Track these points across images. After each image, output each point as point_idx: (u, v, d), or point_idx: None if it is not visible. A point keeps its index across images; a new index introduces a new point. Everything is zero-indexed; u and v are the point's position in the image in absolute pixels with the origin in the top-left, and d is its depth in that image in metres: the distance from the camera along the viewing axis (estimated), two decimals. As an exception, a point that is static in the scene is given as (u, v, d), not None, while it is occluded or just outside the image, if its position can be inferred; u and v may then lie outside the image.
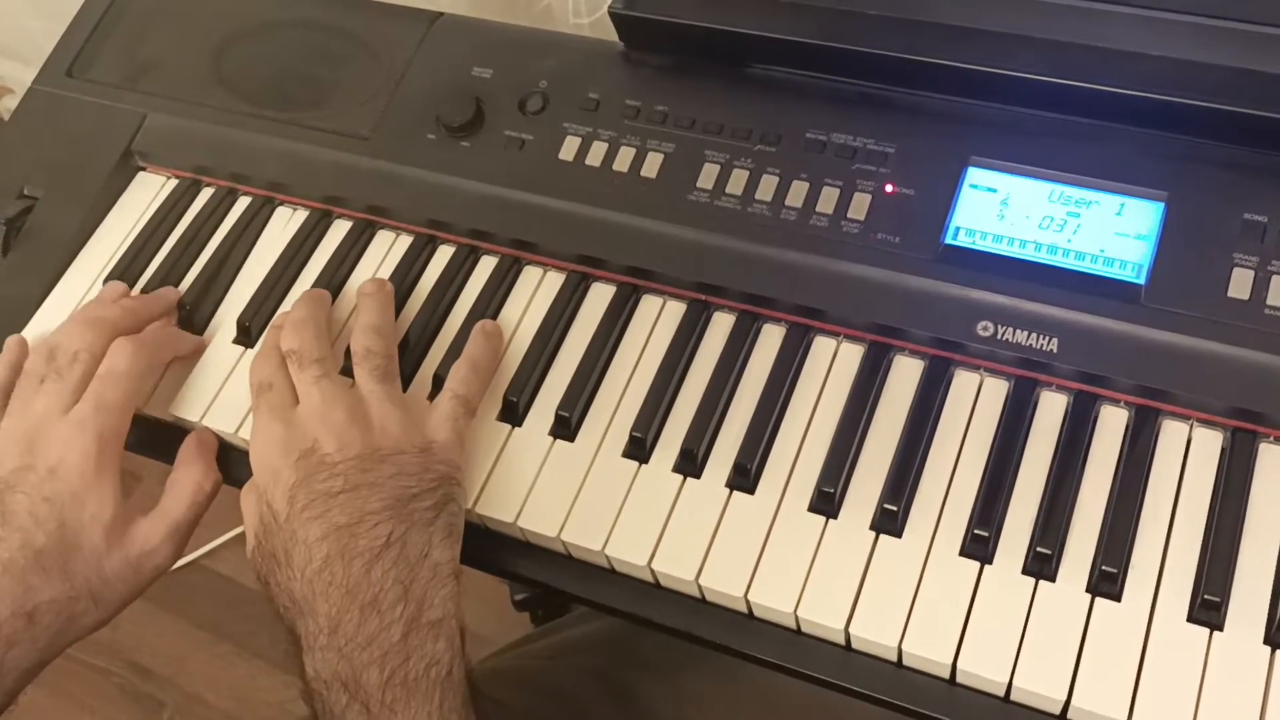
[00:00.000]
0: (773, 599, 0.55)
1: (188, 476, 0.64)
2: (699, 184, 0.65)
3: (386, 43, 0.76)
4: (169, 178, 0.77)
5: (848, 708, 0.73)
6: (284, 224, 0.73)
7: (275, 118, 0.75)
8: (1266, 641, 0.51)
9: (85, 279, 0.73)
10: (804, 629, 0.56)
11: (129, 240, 0.74)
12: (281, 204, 0.74)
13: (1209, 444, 0.56)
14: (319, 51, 0.77)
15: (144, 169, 0.77)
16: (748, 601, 0.56)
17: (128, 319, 0.66)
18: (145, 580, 0.62)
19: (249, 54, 0.78)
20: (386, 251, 0.70)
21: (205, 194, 0.75)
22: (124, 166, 0.77)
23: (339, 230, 0.72)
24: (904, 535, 0.56)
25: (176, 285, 0.71)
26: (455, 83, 0.72)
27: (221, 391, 0.66)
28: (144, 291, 0.71)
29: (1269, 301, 0.56)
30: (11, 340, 0.68)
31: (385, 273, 0.69)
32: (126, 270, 0.72)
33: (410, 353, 0.65)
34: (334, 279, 0.70)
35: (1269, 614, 0.51)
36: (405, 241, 0.70)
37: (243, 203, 0.74)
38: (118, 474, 0.62)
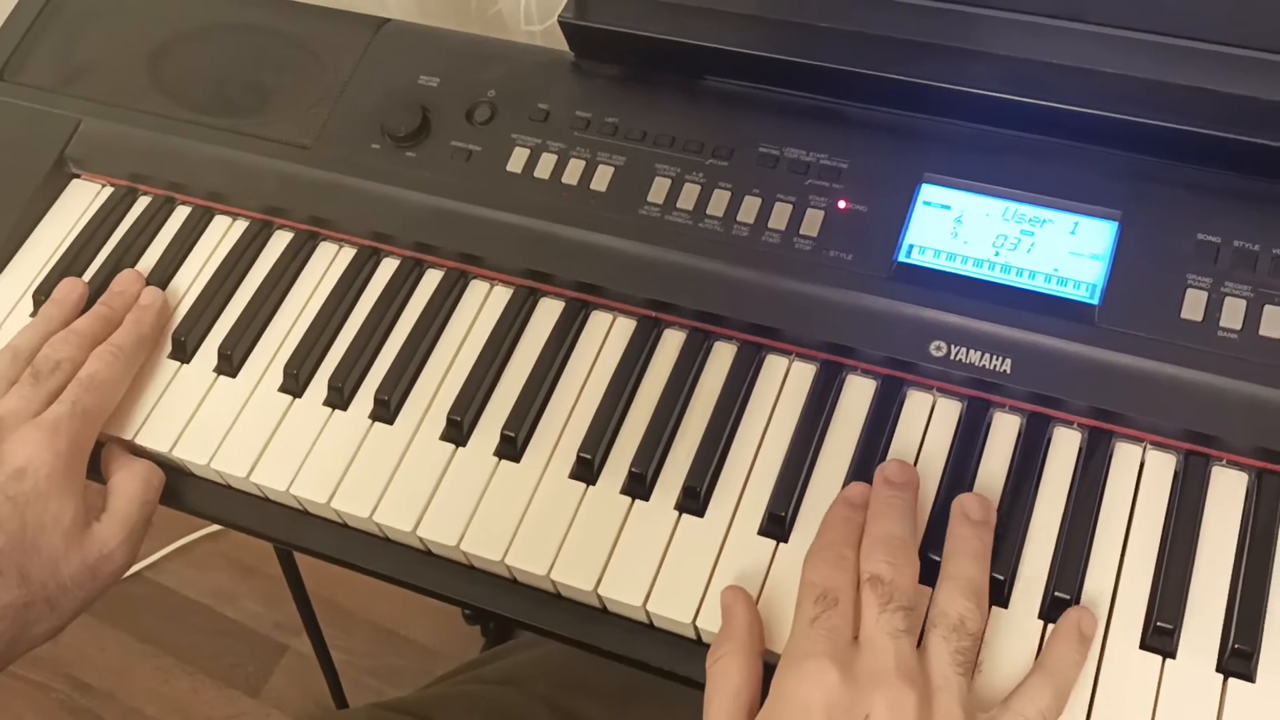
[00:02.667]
0: (714, 622, 0.54)
1: (131, 476, 0.62)
2: (650, 198, 0.64)
3: (331, 49, 0.74)
4: (104, 185, 0.74)
5: None
6: (221, 235, 0.71)
7: (215, 125, 0.72)
8: (1219, 669, 0.50)
9: (15, 289, 0.70)
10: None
11: (61, 250, 0.72)
12: (220, 214, 0.72)
13: (1162, 467, 0.55)
14: (261, 57, 0.75)
15: (78, 176, 0.75)
16: (695, 628, 0.55)
17: (105, 329, 0.65)
18: (101, 585, 0.60)
19: (189, 58, 0.76)
20: (329, 264, 0.68)
21: (141, 203, 0.73)
22: (57, 173, 0.74)
23: (279, 241, 0.70)
24: (855, 559, 0.55)
25: (112, 297, 0.69)
26: (401, 91, 0.70)
27: (155, 410, 0.64)
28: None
29: (1222, 323, 0.55)
30: None
31: (326, 287, 0.67)
32: (56, 284, 0.70)
33: (353, 370, 0.63)
34: (273, 292, 0.68)
35: (1221, 641, 0.50)
36: (348, 254, 0.68)
37: (181, 212, 0.72)
38: (83, 480, 0.60)
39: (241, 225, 0.71)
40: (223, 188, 0.71)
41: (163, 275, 0.69)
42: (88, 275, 0.70)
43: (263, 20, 0.76)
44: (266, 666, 1.47)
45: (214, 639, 1.49)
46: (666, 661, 0.56)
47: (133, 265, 0.70)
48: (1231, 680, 0.50)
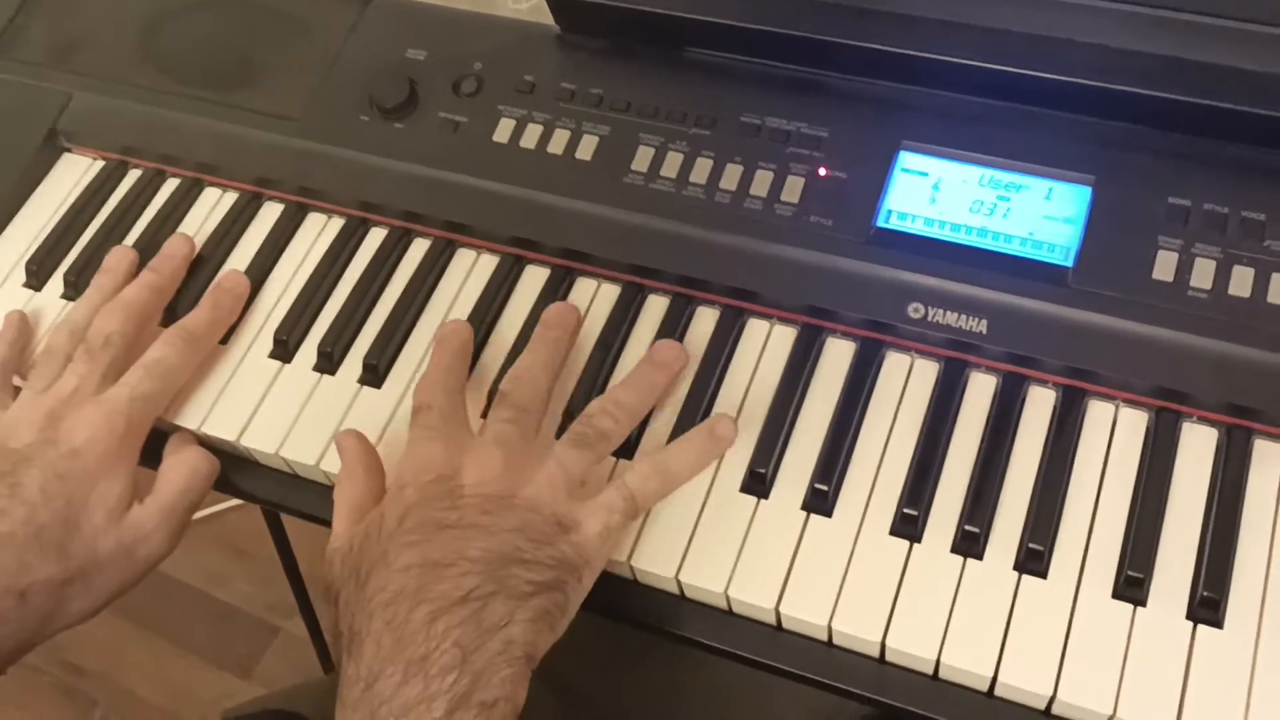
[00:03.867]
0: (704, 580, 0.55)
1: (181, 461, 0.62)
2: (634, 166, 0.65)
3: (320, 22, 0.75)
4: (95, 159, 0.75)
5: (780, 690, 0.74)
6: (212, 206, 0.72)
7: (205, 97, 0.73)
8: (1189, 617, 0.51)
9: (7, 262, 0.71)
10: (735, 609, 0.56)
11: (53, 223, 0.73)
12: (211, 186, 0.73)
13: (1134, 424, 0.56)
14: (251, 30, 0.76)
15: (69, 150, 0.76)
16: (679, 583, 0.56)
17: (158, 299, 0.66)
18: (139, 569, 0.61)
19: (179, 32, 0.77)
20: (318, 234, 0.69)
21: (132, 175, 0.74)
22: (49, 147, 0.75)
23: (270, 213, 0.71)
24: (834, 514, 0.56)
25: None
26: (389, 63, 0.71)
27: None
28: (79, 271, 0.69)
29: (1192, 283, 0.56)
30: (12, 316, 0.67)
31: (315, 257, 0.68)
32: (50, 254, 0.71)
33: (341, 336, 0.64)
34: (265, 264, 0.69)
35: (1191, 590, 0.52)
36: (337, 224, 0.69)
37: (171, 184, 0.73)
38: (135, 463, 0.61)
39: (231, 197, 0.72)
40: (213, 159, 0.72)
41: (153, 246, 0.70)
42: (79, 247, 0.71)
43: (256, -4, 0.77)
44: (258, 648, 1.48)
45: (206, 621, 1.50)
46: (652, 619, 0.57)
47: (123, 238, 0.71)
48: (1200, 627, 0.51)
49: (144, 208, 0.72)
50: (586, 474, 0.55)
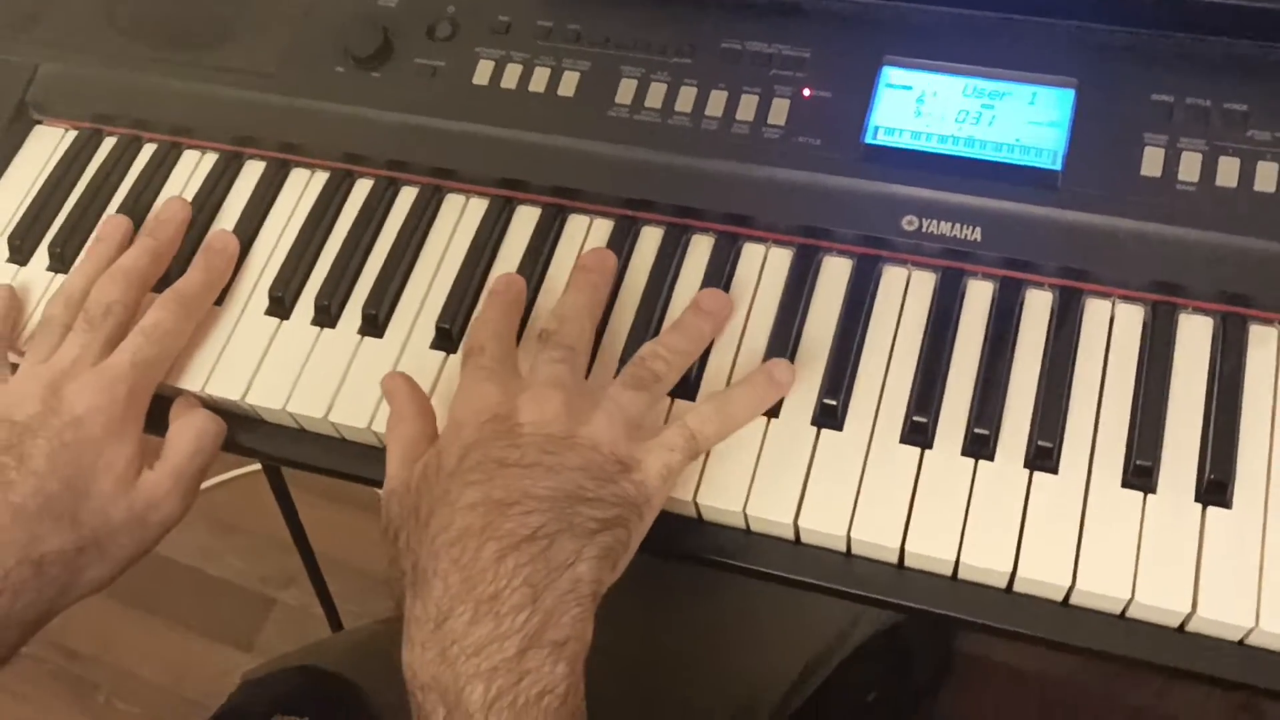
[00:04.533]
0: (721, 500, 0.56)
1: (188, 425, 0.62)
2: (617, 100, 0.65)
3: (286, -24, 0.74)
4: (68, 129, 0.74)
5: (796, 604, 0.76)
6: (192, 169, 0.71)
7: (176, 59, 0.72)
8: (1197, 499, 0.53)
9: (-13, 238, 0.70)
10: (754, 528, 0.56)
11: (30, 196, 0.72)
12: (189, 148, 0.72)
13: (1131, 319, 0.57)
14: (215, -10, 0.75)
15: (40, 122, 0.75)
16: (696, 505, 0.56)
17: (156, 264, 0.65)
18: (151, 535, 0.61)
19: (142, -2, 0.76)
20: (303, 189, 0.69)
21: (108, 144, 0.73)
22: (19, 120, 0.74)
23: (251, 171, 0.70)
24: (845, 428, 0.57)
25: (78, 249, 0.69)
26: (360, 13, 0.70)
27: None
28: (65, 242, 0.69)
29: (1180, 177, 0.57)
30: (0, 290, 0.66)
31: (302, 212, 0.68)
32: (31, 227, 0.70)
33: (338, 288, 0.64)
34: (251, 223, 0.68)
35: (1198, 474, 0.53)
36: (321, 178, 0.69)
37: (148, 150, 0.72)
38: (140, 428, 0.60)
39: (211, 158, 0.71)
40: (189, 121, 0.71)
41: (136, 213, 0.69)
42: (59, 219, 0.70)
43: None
44: (256, 621, 1.48)
45: (201, 597, 1.49)
46: (674, 542, 0.57)
47: (104, 206, 0.70)
48: (1210, 509, 0.52)
49: (123, 175, 0.71)
50: (643, 416, 0.55)
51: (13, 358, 0.65)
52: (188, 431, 0.62)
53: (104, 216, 0.68)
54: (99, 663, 1.46)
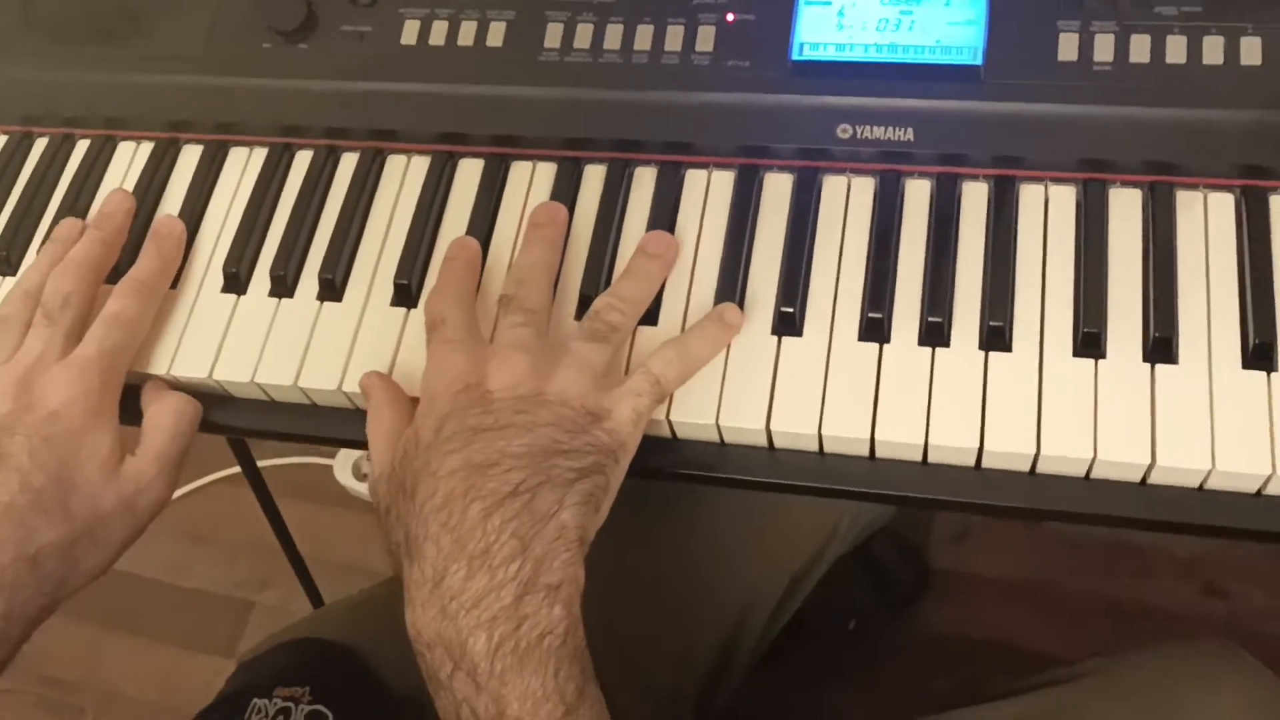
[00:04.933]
0: (694, 415, 0.57)
1: (165, 408, 0.62)
2: (546, 44, 0.66)
3: (200, -40, 0.73)
4: (-3, 134, 0.74)
5: (775, 522, 0.78)
6: (129, 161, 0.71)
7: (99, 54, 0.72)
8: (1146, 359, 0.55)
9: (-73, 251, 0.70)
10: (728, 439, 0.58)
11: (-33, 205, 0.71)
12: (123, 140, 0.72)
13: (1065, 199, 0.60)
14: (130, -18, 0.75)
15: (-33, 130, 0.74)
16: (670, 423, 0.58)
17: (107, 254, 0.65)
18: (142, 518, 0.61)
19: (56, -3, 0.75)
20: (244, 167, 0.69)
21: (39, 144, 0.73)
22: (-55, 131, 0.73)
23: (190, 156, 0.70)
24: (805, 333, 0.58)
25: (24, 250, 0.69)
26: (280, -13, 0.70)
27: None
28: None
29: (1096, 59, 0.59)
30: None
31: (246, 189, 0.68)
32: (-27, 235, 0.70)
33: (290, 258, 0.65)
34: (196, 206, 0.68)
35: (1143, 335, 0.55)
36: (260, 154, 0.69)
37: (81, 146, 0.72)
38: (115, 416, 0.61)
39: (147, 147, 0.71)
40: (120, 113, 0.71)
41: (77, 210, 0.69)
42: (1, 223, 0.70)
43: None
44: (237, 626, 1.47)
45: (178, 610, 1.49)
46: (651, 460, 0.59)
47: (44, 206, 0.70)
48: (1159, 366, 0.55)
49: (59, 174, 0.71)
50: (606, 365, 0.56)
51: None
52: (166, 414, 0.62)
53: (51, 218, 0.68)
54: (83, 687, 1.45)
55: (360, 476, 1.47)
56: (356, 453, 1.47)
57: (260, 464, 1.53)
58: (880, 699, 1.22)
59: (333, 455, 1.49)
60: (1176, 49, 0.59)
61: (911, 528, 1.33)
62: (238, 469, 1.53)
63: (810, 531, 0.81)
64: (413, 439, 0.55)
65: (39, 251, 0.67)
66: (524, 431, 0.53)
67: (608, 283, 0.62)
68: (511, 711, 0.49)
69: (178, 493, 1.49)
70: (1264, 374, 0.54)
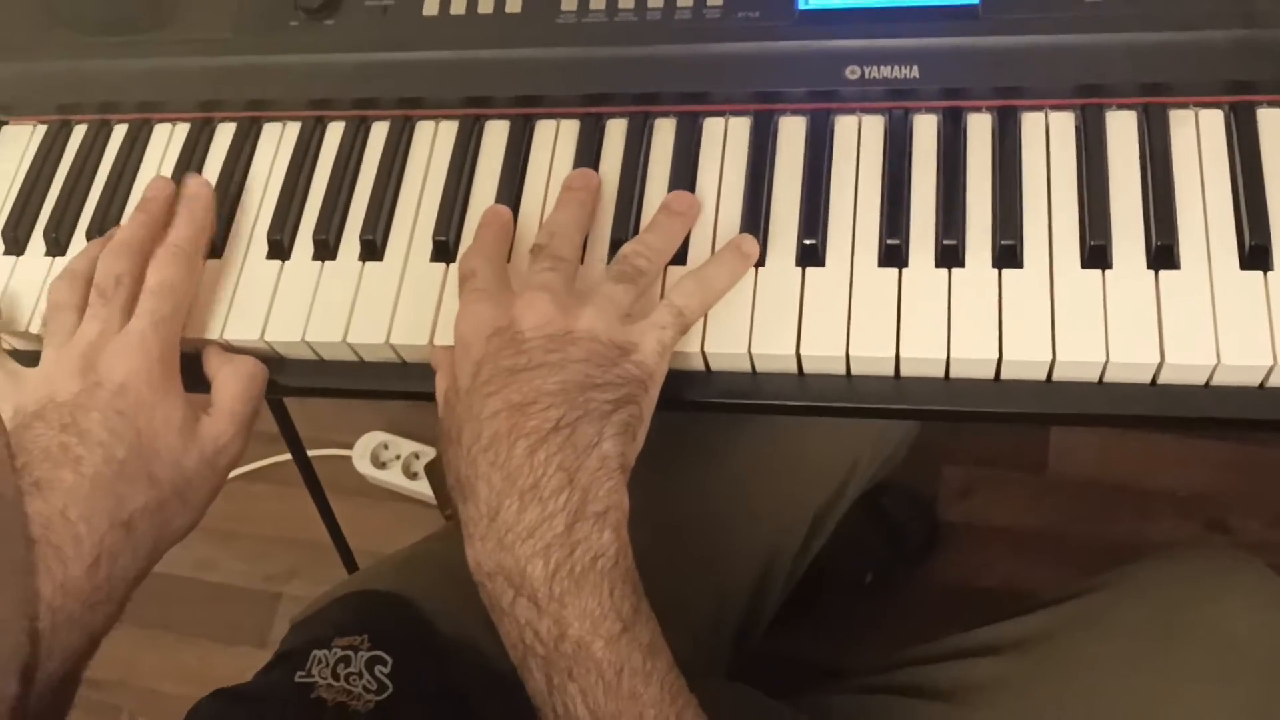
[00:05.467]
0: (727, 346, 0.61)
1: (234, 370, 0.65)
2: (564, 7, 0.69)
3: (222, -52, 0.76)
4: (35, 125, 0.76)
5: (799, 459, 0.81)
6: (166, 142, 0.74)
7: (129, 42, 0.75)
8: (1150, 266, 0.58)
9: (-26, 243, 0.73)
10: (759, 368, 0.61)
11: (14, 193, 0.74)
12: (159, 123, 0.75)
13: (1064, 125, 0.63)
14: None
15: (6, 122, 0.77)
16: (704, 355, 0.61)
17: (152, 235, 0.67)
18: (221, 474, 0.65)
19: (83, -9, 0.78)
20: (278, 142, 0.72)
21: (79, 132, 0.76)
22: (-14, 124, 0.76)
23: (224, 134, 0.73)
24: (827, 263, 0.62)
25: (71, 231, 0.72)
26: (303, -31, 0.73)
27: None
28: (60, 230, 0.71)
29: (1087, -13, 0.63)
30: None
31: (282, 162, 0.71)
32: (20, 220, 0.72)
33: (330, 224, 0.68)
34: (234, 181, 0.71)
35: (1145, 244, 0.59)
36: (294, 129, 0.72)
37: (119, 132, 0.75)
38: (179, 382, 0.63)
39: (184, 129, 0.74)
40: (154, 96, 0.74)
41: (120, 193, 0.72)
42: (46, 207, 0.73)
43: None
44: (266, 617, 1.50)
45: (207, 606, 1.51)
46: (686, 392, 0.62)
47: (87, 189, 0.73)
48: (1162, 273, 0.58)
49: (100, 158, 0.74)
50: (631, 305, 0.59)
51: (11, 342, 0.68)
52: (235, 377, 0.65)
53: (95, 202, 0.71)
54: (120, 687, 1.47)
55: (380, 465, 1.50)
56: (374, 442, 1.50)
57: (276, 459, 1.57)
58: (900, 645, 1.25)
59: (350, 446, 1.52)
60: (1162, -24, 0.62)
61: (921, 483, 1.37)
62: (256, 465, 1.57)
63: (831, 469, 0.85)
64: (452, 388, 0.58)
65: (87, 237, 0.70)
66: (557, 369, 0.55)
67: (636, 230, 0.65)
68: (573, 631, 0.52)
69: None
70: (1260, 273, 0.57)
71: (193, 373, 0.66)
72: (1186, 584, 0.70)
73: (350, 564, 1.18)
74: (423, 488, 1.48)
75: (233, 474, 1.53)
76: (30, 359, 0.66)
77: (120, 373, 0.61)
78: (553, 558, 0.52)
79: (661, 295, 0.62)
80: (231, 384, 0.65)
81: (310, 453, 1.51)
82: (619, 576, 0.53)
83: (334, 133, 0.72)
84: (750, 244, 0.62)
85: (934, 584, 1.34)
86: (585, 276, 0.63)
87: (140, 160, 0.74)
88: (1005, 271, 0.60)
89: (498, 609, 0.55)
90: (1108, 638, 0.69)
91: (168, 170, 0.72)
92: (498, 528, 0.53)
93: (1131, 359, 0.56)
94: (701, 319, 0.61)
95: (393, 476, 1.49)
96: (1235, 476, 1.33)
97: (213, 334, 0.66)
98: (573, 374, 0.55)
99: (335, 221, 0.68)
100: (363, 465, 1.50)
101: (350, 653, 0.70)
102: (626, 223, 0.65)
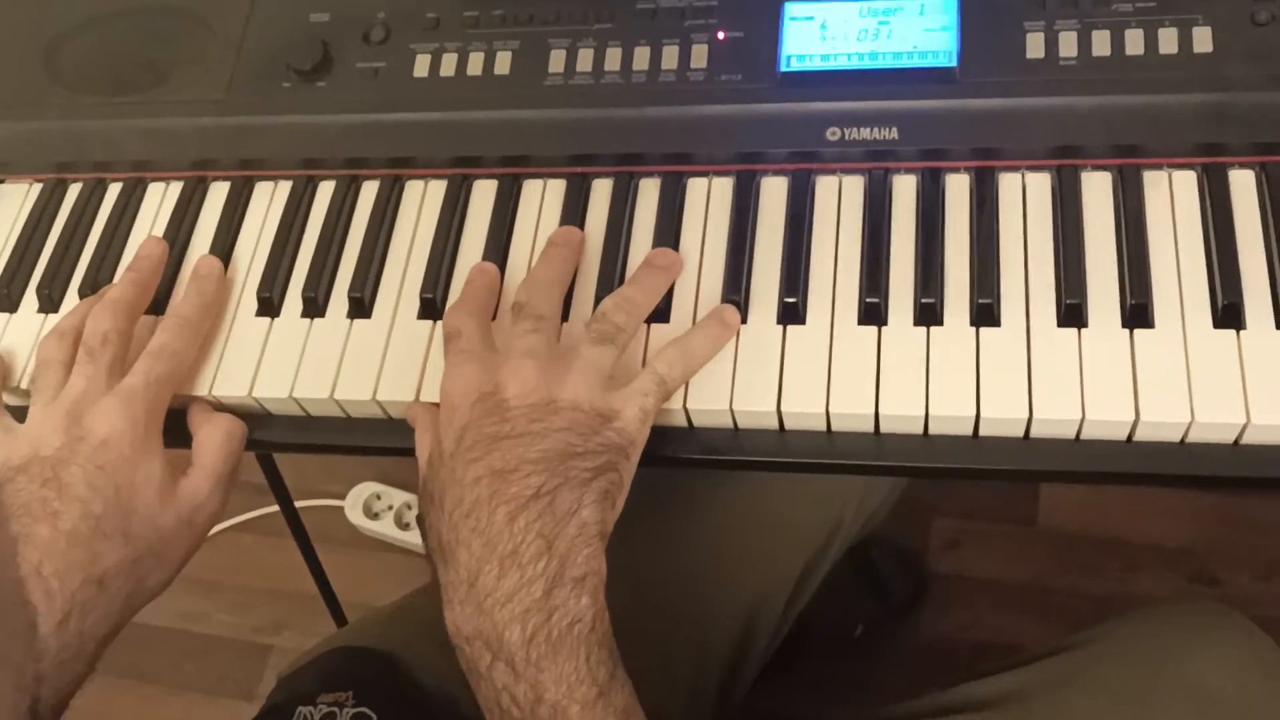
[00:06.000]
0: (708, 403, 0.61)
1: (215, 429, 0.66)
2: (551, 70, 0.70)
3: (216, 11, 0.78)
4: (31, 183, 0.78)
5: (785, 513, 0.82)
6: (159, 200, 0.75)
7: (125, 102, 0.76)
8: (1125, 325, 0.59)
9: (-32, 301, 0.74)
10: (741, 424, 0.62)
11: (6, 254, 0.75)
12: (153, 182, 0.76)
13: (1041, 185, 0.64)
14: (151, 35, 0.78)
15: (3, 181, 0.78)
16: (687, 412, 0.62)
17: (141, 294, 0.68)
18: (200, 533, 0.65)
19: (80, 52, 0.79)
20: (269, 201, 0.73)
21: (73, 190, 0.77)
22: (-18, 182, 0.77)
23: (217, 193, 0.74)
24: (808, 321, 0.63)
25: (64, 288, 0.73)
26: (297, 31, 0.75)
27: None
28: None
29: (1061, 55, 0.64)
30: None
31: (273, 220, 0.72)
32: (15, 278, 0.73)
33: (320, 282, 0.69)
34: (226, 239, 0.72)
35: (1120, 303, 0.60)
36: (285, 187, 0.74)
37: (114, 190, 0.76)
38: (161, 443, 0.64)
39: (177, 187, 0.75)
40: (148, 155, 0.75)
41: (113, 251, 0.73)
42: (38, 270, 0.74)
43: (141, 2, 0.80)
44: (254, 670, 1.49)
45: (193, 657, 1.50)
46: (670, 450, 0.63)
47: (81, 246, 0.74)
48: (1137, 332, 0.59)
49: (94, 217, 0.75)
50: (612, 367, 0.60)
51: (7, 399, 0.69)
52: (216, 434, 0.66)
53: (89, 258, 0.72)
54: (106, 739, 1.46)
55: (372, 515, 1.50)
56: (366, 492, 1.50)
57: (265, 510, 1.57)
58: (886, 700, 1.25)
59: (343, 497, 1.52)
60: (1135, 41, 0.64)
61: (908, 536, 1.37)
62: (245, 517, 1.57)
63: (816, 524, 0.85)
64: (437, 450, 0.59)
65: (80, 295, 0.71)
66: (540, 438, 0.56)
67: (620, 286, 0.66)
68: (549, 696, 0.53)
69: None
70: (1234, 332, 0.58)
71: (178, 429, 0.67)
72: (1166, 640, 0.71)
73: (339, 616, 1.18)
74: (415, 538, 1.48)
75: (222, 525, 1.54)
76: (26, 415, 0.66)
77: (104, 429, 0.62)
78: (530, 623, 0.53)
79: (644, 359, 0.63)
80: (211, 442, 0.65)
81: (302, 503, 1.52)
82: (595, 642, 0.54)
83: (325, 192, 0.73)
84: (732, 314, 0.63)
85: (922, 638, 1.33)
86: (568, 333, 0.64)
87: (134, 218, 0.75)
88: (983, 330, 0.61)
89: (475, 673, 0.55)
90: (1087, 695, 0.70)
91: (160, 228, 0.73)
92: (477, 593, 0.54)
93: (1107, 416, 0.57)
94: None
95: (385, 527, 1.49)
96: (1223, 529, 1.33)
97: (201, 390, 0.67)
98: (555, 443, 0.56)
99: (324, 279, 0.69)
100: (355, 516, 1.50)
101: (335, 709, 0.70)
102: (611, 280, 0.66)
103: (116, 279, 0.71)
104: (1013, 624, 1.32)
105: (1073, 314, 0.60)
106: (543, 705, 0.52)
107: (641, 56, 0.70)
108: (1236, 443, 0.57)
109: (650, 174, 0.69)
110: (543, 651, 0.53)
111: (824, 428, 0.61)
